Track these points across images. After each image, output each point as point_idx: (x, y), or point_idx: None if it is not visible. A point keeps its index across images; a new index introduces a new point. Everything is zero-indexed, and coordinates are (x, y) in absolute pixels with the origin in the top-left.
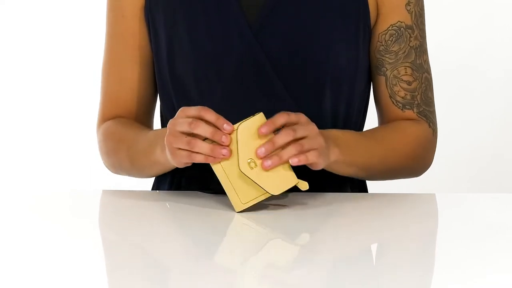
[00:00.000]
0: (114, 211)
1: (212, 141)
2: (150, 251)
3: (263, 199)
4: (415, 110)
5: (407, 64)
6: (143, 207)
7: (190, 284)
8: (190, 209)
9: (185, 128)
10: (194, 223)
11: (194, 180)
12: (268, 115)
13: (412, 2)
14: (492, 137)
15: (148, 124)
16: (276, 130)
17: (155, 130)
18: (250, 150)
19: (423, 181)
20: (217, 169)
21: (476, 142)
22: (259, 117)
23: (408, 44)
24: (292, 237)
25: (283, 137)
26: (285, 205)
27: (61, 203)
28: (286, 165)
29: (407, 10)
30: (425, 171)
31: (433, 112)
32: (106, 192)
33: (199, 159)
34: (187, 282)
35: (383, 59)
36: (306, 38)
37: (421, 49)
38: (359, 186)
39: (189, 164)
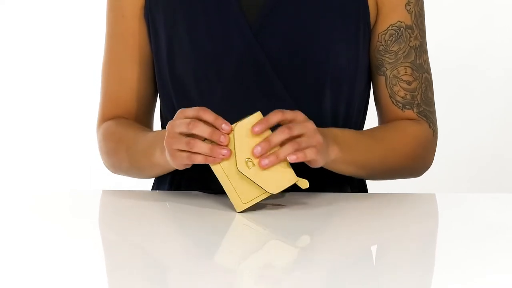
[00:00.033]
0: (114, 211)
1: (212, 142)
2: (150, 251)
3: (264, 198)
4: (415, 110)
5: (407, 64)
6: (143, 207)
7: (190, 284)
8: (190, 209)
9: (184, 128)
10: (194, 223)
11: (194, 180)
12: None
13: (412, 2)
14: (492, 137)
15: (148, 124)
16: (274, 129)
17: (154, 131)
18: (247, 150)
19: (423, 181)
20: (217, 169)
21: (476, 142)
22: (256, 116)
23: (408, 44)
24: (292, 237)
25: (278, 135)
26: (285, 205)
27: (61, 203)
28: (285, 164)
29: (407, 10)
30: (425, 171)
31: (433, 112)
32: (106, 192)
33: (199, 159)
34: (187, 282)
35: (383, 59)
36: (306, 38)
37: (421, 49)
38: (359, 186)
39: (189, 166)
